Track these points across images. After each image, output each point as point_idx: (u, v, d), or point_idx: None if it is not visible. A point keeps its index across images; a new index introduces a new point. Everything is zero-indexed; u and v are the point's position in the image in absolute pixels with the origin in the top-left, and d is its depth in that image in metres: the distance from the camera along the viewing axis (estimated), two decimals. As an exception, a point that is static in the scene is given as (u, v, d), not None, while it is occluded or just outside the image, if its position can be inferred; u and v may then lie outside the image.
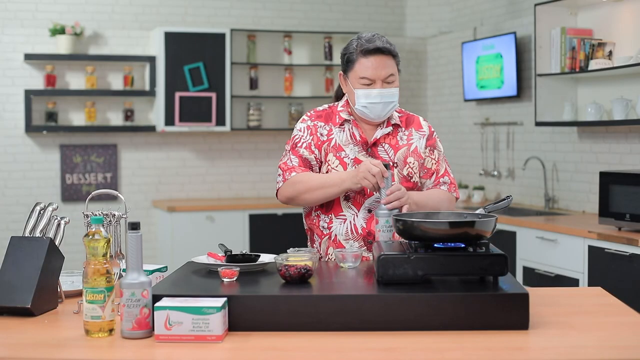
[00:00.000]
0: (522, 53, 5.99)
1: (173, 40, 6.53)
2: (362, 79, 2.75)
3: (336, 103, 2.92)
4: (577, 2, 5.22)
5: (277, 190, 2.83)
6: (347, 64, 2.79)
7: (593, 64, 4.96)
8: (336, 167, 2.78)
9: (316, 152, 2.81)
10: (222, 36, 6.64)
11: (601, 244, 4.41)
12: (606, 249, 4.38)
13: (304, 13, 7.16)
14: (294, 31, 6.96)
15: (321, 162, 2.82)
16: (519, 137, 6.11)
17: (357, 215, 2.77)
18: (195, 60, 6.59)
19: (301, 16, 7.15)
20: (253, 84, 6.90)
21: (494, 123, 6.37)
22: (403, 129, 2.86)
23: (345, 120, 2.83)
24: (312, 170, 2.81)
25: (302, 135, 2.83)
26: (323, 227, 2.81)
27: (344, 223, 2.78)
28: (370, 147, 2.81)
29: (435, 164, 2.88)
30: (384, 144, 2.82)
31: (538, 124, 5.42)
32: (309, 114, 2.90)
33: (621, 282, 4.23)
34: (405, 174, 2.81)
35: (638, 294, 4.10)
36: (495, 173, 6.34)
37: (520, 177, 6.13)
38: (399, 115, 2.88)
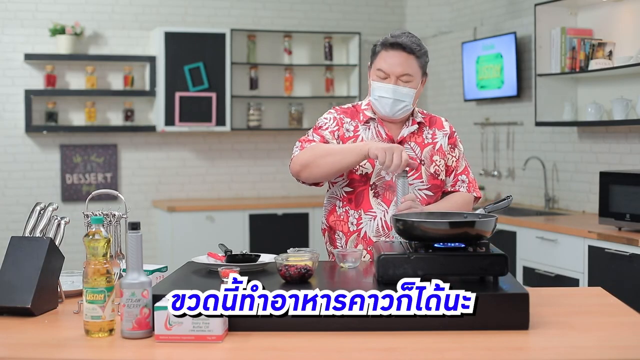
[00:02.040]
0: (522, 53, 5.99)
1: (173, 40, 6.53)
2: (378, 70, 2.77)
3: (360, 102, 2.92)
4: (577, 2, 5.22)
5: (292, 160, 2.77)
6: (372, 55, 2.82)
7: (593, 64, 4.96)
8: (364, 164, 2.77)
9: (340, 142, 2.79)
10: (222, 36, 6.64)
11: (601, 244, 4.41)
12: (606, 249, 4.38)
13: (304, 13, 7.16)
14: (294, 31, 6.96)
15: None
16: (519, 137, 6.11)
17: (387, 212, 2.76)
18: (195, 60, 6.59)
19: (301, 16, 7.15)
20: (253, 84, 6.90)
21: (494, 123, 6.37)
22: (427, 127, 2.87)
23: (371, 119, 2.83)
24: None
25: (328, 123, 2.82)
26: (352, 223, 2.79)
27: (374, 220, 2.76)
28: None
29: (455, 161, 2.90)
30: (410, 142, 2.83)
31: (538, 124, 5.42)
32: (334, 108, 2.89)
33: (621, 282, 4.23)
34: (432, 172, 2.82)
35: (638, 294, 4.10)
36: (495, 173, 6.35)
37: (520, 177, 6.13)
38: (422, 116, 2.89)
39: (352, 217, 2.79)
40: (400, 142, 2.82)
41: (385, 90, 2.75)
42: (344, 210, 2.80)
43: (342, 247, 2.80)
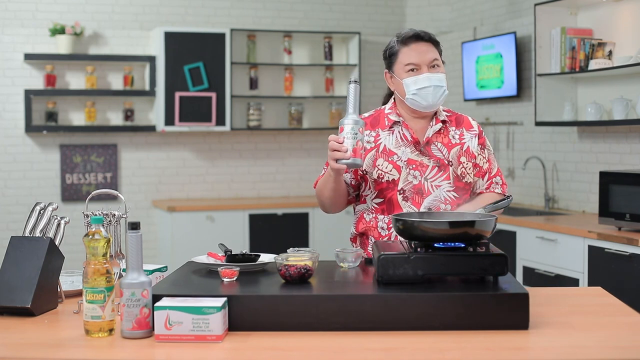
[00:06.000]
0: (522, 53, 5.99)
1: (173, 40, 6.52)
2: (407, 65, 2.75)
3: (383, 106, 2.90)
4: (577, 2, 5.22)
5: None
6: (390, 57, 2.80)
7: (593, 64, 4.96)
8: (390, 171, 2.75)
9: None
10: (222, 36, 6.64)
11: (601, 243, 4.41)
12: (606, 248, 4.38)
13: (304, 13, 7.16)
14: (294, 31, 6.96)
15: (362, 172, 2.79)
16: (519, 137, 6.11)
17: None
18: (195, 60, 6.59)
19: (301, 16, 7.15)
20: (253, 84, 6.90)
21: (494, 123, 6.37)
22: (454, 128, 2.84)
23: (395, 122, 2.81)
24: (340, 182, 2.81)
25: None
26: (382, 227, 2.77)
27: None
28: (423, 147, 2.79)
29: (487, 162, 2.87)
30: (436, 143, 2.80)
31: (538, 123, 5.42)
32: None
33: (621, 282, 4.24)
34: (458, 174, 2.78)
35: (638, 294, 4.10)
36: (495, 173, 6.34)
37: (520, 177, 6.13)
38: (448, 114, 2.87)
39: (381, 222, 2.78)
40: (427, 143, 2.79)
41: (422, 81, 2.73)
42: (373, 216, 2.80)
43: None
